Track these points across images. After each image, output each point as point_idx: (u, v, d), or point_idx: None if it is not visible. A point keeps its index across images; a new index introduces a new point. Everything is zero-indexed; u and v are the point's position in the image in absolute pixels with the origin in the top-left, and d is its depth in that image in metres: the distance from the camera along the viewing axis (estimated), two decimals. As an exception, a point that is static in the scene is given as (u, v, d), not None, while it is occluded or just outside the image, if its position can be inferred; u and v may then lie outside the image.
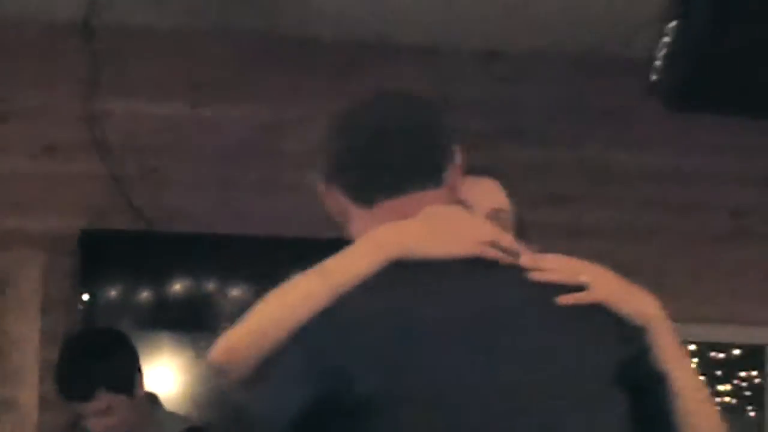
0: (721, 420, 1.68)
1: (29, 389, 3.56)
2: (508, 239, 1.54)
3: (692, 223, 4.01)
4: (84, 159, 3.65)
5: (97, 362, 2.97)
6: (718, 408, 1.69)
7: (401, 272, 1.44)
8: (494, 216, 1.97)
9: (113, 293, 3.64)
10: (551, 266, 1.56)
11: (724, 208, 4.02)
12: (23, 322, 3.58)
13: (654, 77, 2.63)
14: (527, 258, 1.53)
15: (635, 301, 1.58)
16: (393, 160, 1.52)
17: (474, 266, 1.48)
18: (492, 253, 1.48)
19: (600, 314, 1.50)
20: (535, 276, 1.51)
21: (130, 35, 3.63)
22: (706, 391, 1.69)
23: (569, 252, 1.54)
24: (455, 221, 1.54)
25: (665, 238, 3.96)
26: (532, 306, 1.49)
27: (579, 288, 1.50)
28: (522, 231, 2.04)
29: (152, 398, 3.16)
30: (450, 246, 1.46)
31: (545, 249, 1.57)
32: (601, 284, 1.56)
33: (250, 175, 3.70)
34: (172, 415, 3.24)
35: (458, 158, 1.58)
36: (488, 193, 2.05)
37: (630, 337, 1.54)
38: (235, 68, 3.70)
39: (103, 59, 3.58)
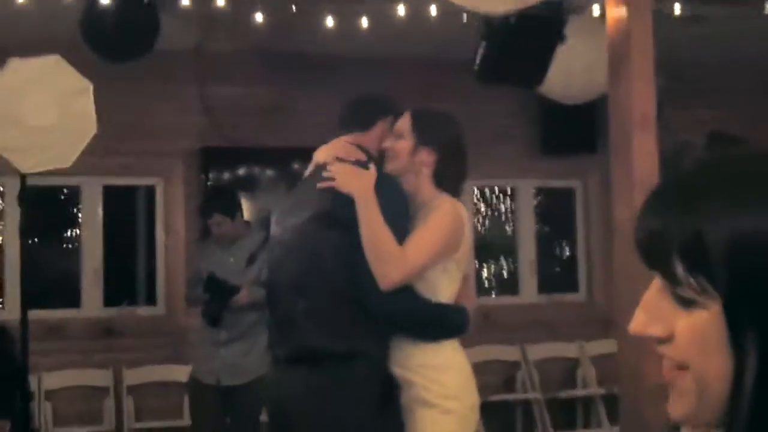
0: (384, 248, 2.59)
1: (180, 223, 7.09)
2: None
3: None
4: (197, 111, 7.13)
5: (213, 199, 5.45)
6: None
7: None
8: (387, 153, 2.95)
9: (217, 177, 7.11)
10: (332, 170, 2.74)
11: None
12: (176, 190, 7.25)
13: (475, 67, 4.53)
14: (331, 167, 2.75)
15: (350, 185, 2.67)
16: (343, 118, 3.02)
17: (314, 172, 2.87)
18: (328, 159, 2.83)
19: (333, 192, 2.68)
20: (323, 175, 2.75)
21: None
22: (378, 232, 2.61)
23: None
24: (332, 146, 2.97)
25: None
26: (308, 187, 2.82)
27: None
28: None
29: (246, 222, 5.43)
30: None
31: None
32: (340, 178, 2.70)
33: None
34: (257, 231, 5.23)
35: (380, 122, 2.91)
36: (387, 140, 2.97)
37: (347, 201, 2.65)
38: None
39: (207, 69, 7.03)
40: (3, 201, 7.03)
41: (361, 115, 2.99)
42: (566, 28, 4.03)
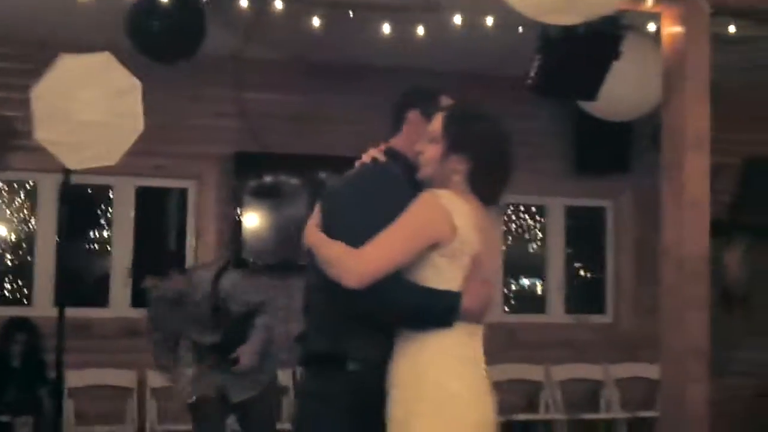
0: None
1: (211, 227, 7.19)
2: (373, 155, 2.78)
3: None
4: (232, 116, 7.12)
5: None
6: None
7: None
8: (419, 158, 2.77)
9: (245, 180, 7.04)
10: None
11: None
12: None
13: (529, 82, 4.31)
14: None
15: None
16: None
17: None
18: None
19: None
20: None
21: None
22: (322, 247, 2.59)
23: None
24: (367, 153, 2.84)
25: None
26: None
27: None
28: None
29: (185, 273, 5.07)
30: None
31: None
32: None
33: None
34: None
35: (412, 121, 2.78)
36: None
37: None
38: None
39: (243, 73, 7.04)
40: (22, 198, 7.01)
41: (392, 115, 2.85)
42: (622, 44, 3.98)
